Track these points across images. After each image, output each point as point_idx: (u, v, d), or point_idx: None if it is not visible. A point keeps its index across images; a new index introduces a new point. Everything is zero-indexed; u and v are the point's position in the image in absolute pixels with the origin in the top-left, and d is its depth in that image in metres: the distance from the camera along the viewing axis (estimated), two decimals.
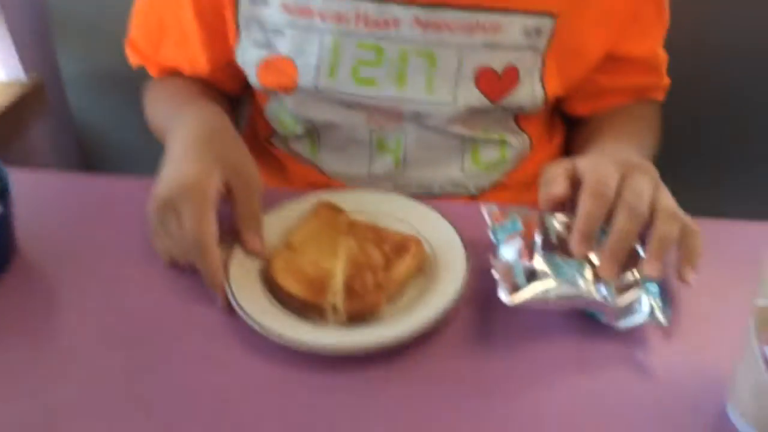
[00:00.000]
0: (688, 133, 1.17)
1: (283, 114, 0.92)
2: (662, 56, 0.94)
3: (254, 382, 0.63)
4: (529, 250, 0.67)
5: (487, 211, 0.73)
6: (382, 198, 0.80)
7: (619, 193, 0.65)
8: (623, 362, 0.65)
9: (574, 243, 0.65)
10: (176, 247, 0.71)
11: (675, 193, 0.68)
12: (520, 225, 0.70)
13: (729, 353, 0.60)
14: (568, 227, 0.68)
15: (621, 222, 0.64)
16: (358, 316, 0.66)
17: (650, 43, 0.92)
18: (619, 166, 0.67)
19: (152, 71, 0.98)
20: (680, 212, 0.66)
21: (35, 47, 1.30)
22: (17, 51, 1.26)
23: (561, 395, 0.62)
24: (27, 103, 1.28)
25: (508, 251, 0.67)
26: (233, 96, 0.99)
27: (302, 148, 0.95)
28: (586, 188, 0.66)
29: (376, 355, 0.64)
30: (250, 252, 0.72)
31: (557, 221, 0.69)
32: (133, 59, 0.98)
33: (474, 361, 0.65)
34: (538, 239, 0.67)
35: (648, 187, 0.66)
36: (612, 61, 0.90)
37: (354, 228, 0.74)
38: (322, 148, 0.93)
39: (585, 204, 0.65)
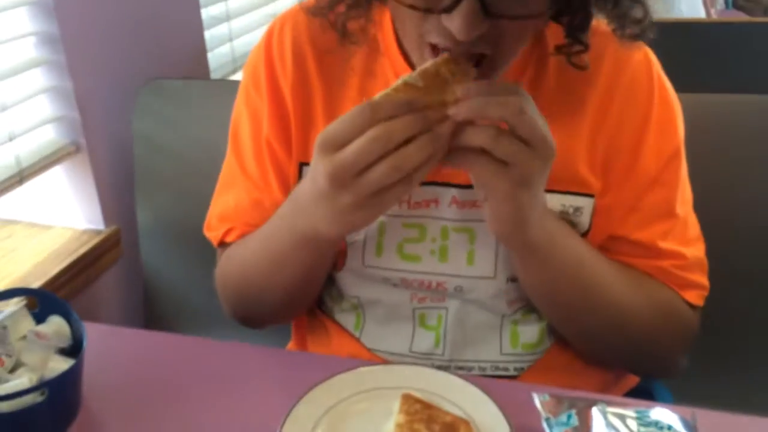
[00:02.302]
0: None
1: (328, 288, 0.96)
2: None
3: None
4: None
5: (540, 400, 0.73)
6: (437, 376, 0.81)
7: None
8: None
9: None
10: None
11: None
12: (575, 419, 0.70)
13: None
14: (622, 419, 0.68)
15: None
16: None
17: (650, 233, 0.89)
18: None
19: (233, 237, 0.98)
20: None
21: (116, 198, 1.39)
22: (100, 202, 1.34)
23: None
24: (101, 252, 1.34)
25: None
26: None
27: (347, 322, 0.98)
28: None
29: None
30: None
31: (612, 414, 0.69)
32: (214, 235, 0.99)
33: None
34: None
35: None
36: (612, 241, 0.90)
37: (407, 402, 0.74)
38: (367, 323, 0.96)
39: None
